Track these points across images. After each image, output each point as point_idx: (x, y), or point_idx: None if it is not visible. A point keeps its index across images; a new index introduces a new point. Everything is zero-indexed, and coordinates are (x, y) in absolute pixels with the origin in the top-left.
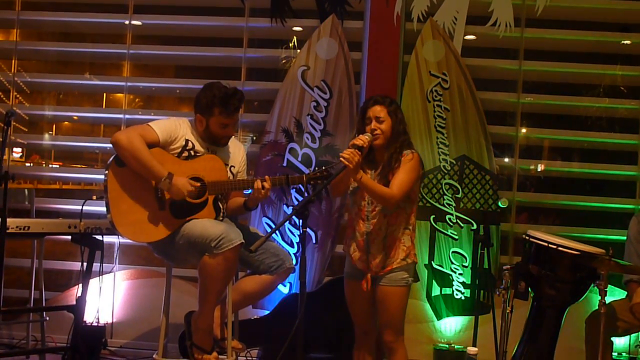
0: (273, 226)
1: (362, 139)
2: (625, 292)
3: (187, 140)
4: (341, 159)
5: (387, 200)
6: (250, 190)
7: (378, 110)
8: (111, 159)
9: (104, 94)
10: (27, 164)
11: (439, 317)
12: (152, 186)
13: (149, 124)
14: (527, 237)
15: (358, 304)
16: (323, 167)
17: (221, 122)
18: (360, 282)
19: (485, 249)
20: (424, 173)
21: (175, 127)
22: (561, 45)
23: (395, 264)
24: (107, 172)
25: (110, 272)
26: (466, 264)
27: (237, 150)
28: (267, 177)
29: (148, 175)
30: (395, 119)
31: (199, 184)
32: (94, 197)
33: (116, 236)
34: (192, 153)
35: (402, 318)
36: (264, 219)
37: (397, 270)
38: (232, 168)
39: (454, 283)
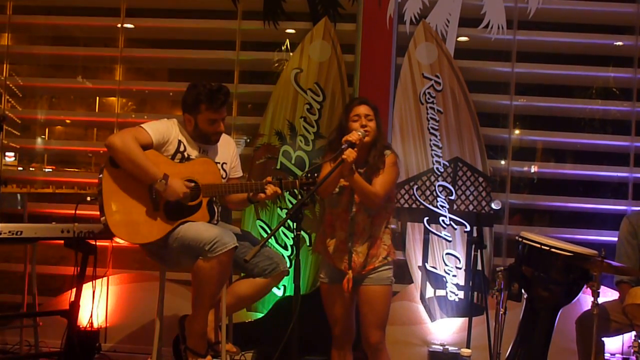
0: (267, 229)
1: (355, 136)
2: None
3: (179, 142)
4: (343, 156)
5: (373, 199)
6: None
7: (367, 109)
8: (107, 159)
9: (97, 98)
10: (20, 169)
11: (432, 319)
12: (146, 187)
13: (142, 125)
14: (520, 239)
15: (340, 307)
16: (316, 175)
17: (209, 118)
18: (340, 285)
19: (479, 250)
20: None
21: (167, 128)
22: (553, 47)
23: (378, 263)
24: (102, 172)
25: (104, 276)
26: (460, 266)
27: (226, 144)
28: (269, 184)
29: (143, 177)
30: (379, 122)
31: (192, 185)
32: (89, 198)
33: (109, 240)
34: (185, 155)
35: (387, 317)
36: (258, 222)
37: (381, 269)
38: (224, 165)
39: (447, 285)
